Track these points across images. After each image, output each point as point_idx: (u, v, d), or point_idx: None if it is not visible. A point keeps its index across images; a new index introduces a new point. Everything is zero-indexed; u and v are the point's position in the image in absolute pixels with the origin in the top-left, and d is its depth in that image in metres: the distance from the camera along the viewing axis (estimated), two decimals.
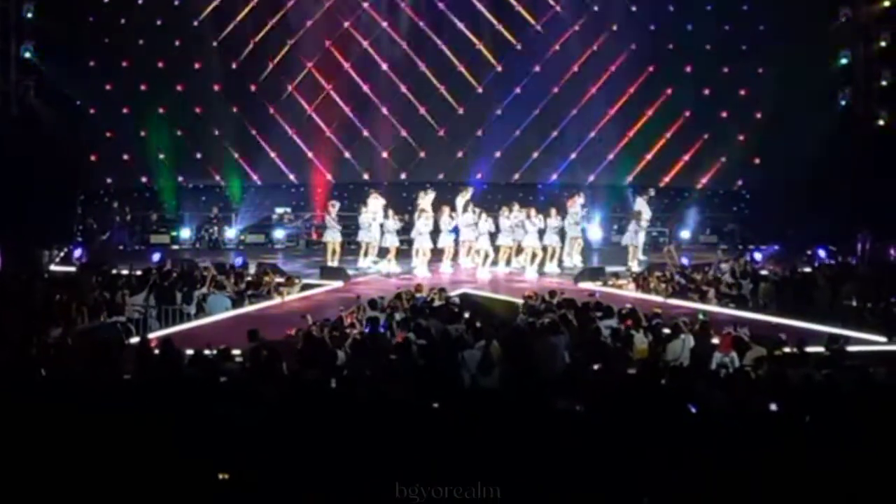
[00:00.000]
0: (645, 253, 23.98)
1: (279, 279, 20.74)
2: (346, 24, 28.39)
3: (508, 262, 23.12)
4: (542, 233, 22.65)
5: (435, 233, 22.74)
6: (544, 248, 22.77)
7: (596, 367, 13.12)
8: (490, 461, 8.78)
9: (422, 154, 28.70)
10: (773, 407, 10.36)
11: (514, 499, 8.51)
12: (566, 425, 9.67)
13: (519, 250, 22.98)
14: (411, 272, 22.52)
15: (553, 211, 22.87)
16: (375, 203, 23.14)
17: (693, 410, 10.22)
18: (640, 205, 23.69)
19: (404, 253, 23.36)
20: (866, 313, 18.20)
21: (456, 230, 22.80)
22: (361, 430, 9.36)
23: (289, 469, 8.93)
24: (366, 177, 28.56)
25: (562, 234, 22.97)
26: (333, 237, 23.33)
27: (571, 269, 22.85)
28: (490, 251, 22.88)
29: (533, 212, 22.79)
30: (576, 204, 23.44)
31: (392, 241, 22.98)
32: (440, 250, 22.85)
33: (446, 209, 22.73)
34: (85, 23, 27.14)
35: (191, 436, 9.41)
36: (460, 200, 23.15)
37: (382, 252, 23.09)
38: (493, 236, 22.87)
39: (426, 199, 23.03)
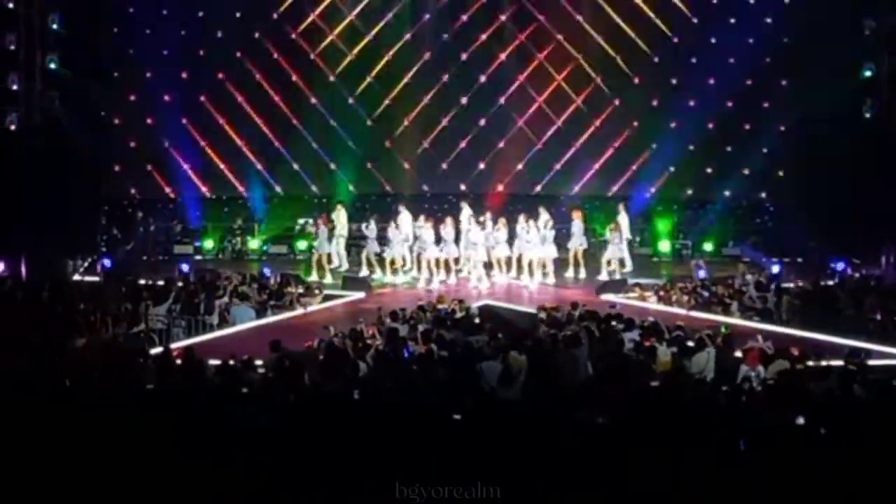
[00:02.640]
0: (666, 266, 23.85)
1: (300, 290, 20.81)
2: (368, 37, 28.51)
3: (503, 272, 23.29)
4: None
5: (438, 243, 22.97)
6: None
7: (618, 379, 13.05)
8: (499, 469, 8.76)
9: (444, 166, 28.73)
10: (801, 420, 10.27)
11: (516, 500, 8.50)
12: (580, 436, 9.62)
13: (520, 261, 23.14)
14: (415, 283, 22.81)
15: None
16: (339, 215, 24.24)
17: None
18: (622, 218, 23.79)
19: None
20: (891, 326, 18.07)
21: (458, 240, 22.97)
22: (363, 432, 9.36)
23: (290, 469, 8.93)
24: (388, 188, 28.71)
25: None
26: (324, 249, 23.52)
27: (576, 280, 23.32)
28: (495, 261, 23.07)
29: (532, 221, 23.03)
30: (578, 216, 23.64)
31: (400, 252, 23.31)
32: (446, 261, 23.03)
33: (449, 220, 22.86)
34: (109, 33, 27.34)
35: (201, 440, 9.42)
36: (465, 213, 23.30)
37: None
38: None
39: (404, 215, 23.72)
